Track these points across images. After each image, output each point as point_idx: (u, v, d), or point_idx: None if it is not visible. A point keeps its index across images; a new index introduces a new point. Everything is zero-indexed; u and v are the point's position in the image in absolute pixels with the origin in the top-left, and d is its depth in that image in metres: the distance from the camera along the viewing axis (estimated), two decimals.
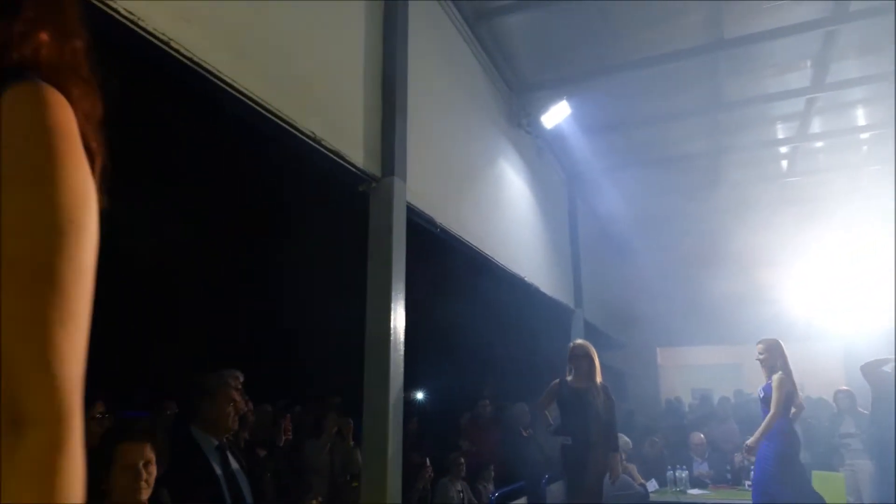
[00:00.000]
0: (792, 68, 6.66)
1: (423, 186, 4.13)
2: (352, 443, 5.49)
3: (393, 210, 3.55)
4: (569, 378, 4.72)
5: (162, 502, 2.24)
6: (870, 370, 6.27)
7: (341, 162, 3.29)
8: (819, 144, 8.62)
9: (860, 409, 6.63)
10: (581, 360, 4.69)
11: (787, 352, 5.06)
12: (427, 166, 4.28)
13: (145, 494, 2.18)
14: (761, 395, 5.00)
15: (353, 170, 3.40)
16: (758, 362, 5.13)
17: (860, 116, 7.93)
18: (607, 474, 4.64)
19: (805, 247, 10.04)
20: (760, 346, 5.13)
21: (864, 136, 8.37)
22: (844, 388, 7.03)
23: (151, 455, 2.24)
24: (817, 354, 11.01)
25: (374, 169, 3.54)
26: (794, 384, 4.94)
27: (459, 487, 5.59)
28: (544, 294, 6.86)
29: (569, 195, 8.73)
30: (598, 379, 4.68)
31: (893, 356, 6.33)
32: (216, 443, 2.86)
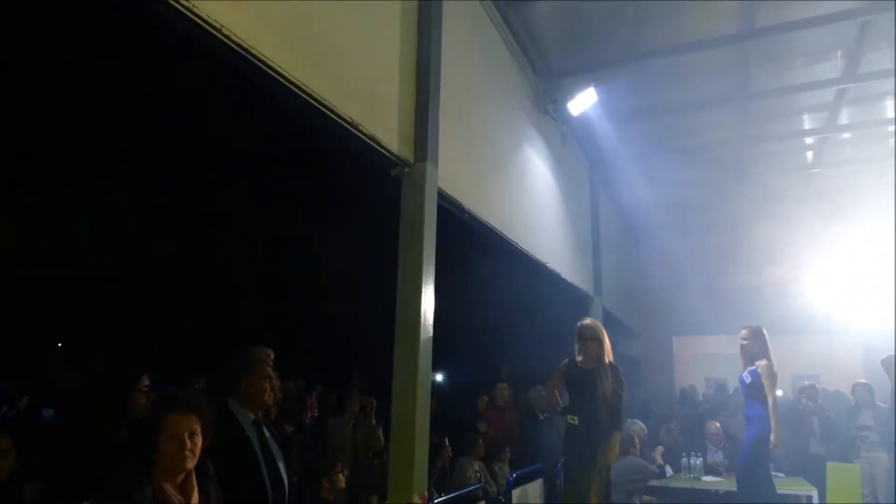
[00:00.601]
0: (822, 58, 6.57)
1: (451, 172, 4.18)
2: (374, 421, 5.62)
3: (425, 195, 3.61)
4: (578, 358, 4.52)
5: (206, 472, 2.33)
6: (890, 364, 6.31)
7: (376, 147, 3.35)
8: (846, 136, 8.52)
9: (879, 403, 6.63)
10: (589, 341, 4.48)
11: (769, 341, 5.15)
12: (456, 152, 4.32)
13: (190, 463, 2.27)
14: (748, 381, 5.06)
15: (388, 154, 3.46)
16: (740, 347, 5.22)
17: (889, 108, 7.81)
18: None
19: (828, 240, 9.96)
20: (744, 332, 5.22)
21: (892, 128, 8.26)
22: (863, 381, 7.02)
23: (197, 426, 2.32)
24: (836, 348, 10.98)
25: (407, 154, 3.60)
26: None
27: (476, 467, 5.70)
28: (565, 280, 6.91)
29: (591, 183, 8.72)
30: (608, 359, 4.49)
31: None
32: (252, 417, 2.97)
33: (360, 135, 3.20)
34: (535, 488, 5.39)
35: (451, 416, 6.82)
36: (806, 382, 7.44)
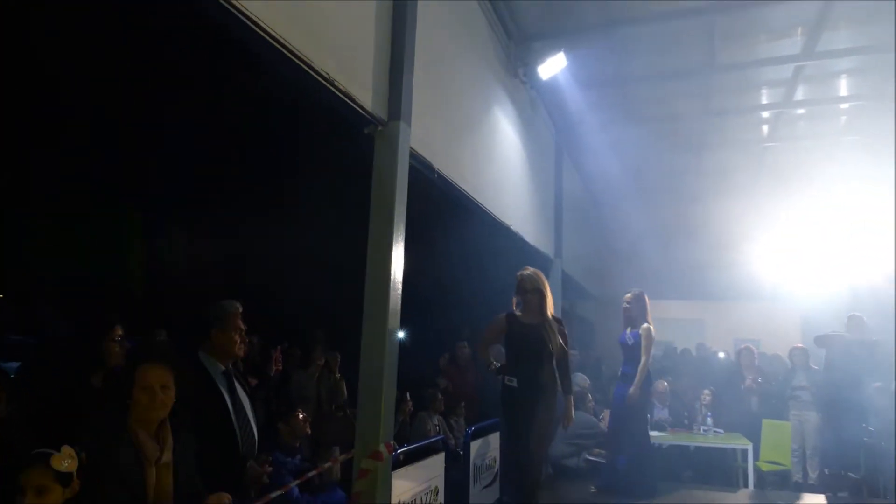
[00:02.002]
0: (784, 35, 6.75)
1: (423, 132, 4.20)
2: (338, 375, 5.72)
3: (397, 154, 3.64)
4: (518, 312, 4.08)
5: (182, 421, 2.39)
6: (823, 341, 6.95)
7: (351, 103, 3.34)
8: (800, 112, 8.82)
9: (812, 366, 7.10)
10: (530, 293, 4.02)
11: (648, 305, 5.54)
12: (427, 112, 4.33)
13: (162, 413, 2.31)
14: (630, 343, 5.53)
15: (362, 112, 3.45)
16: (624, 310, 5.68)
17: (843, 87, 8.11)
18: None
19: (777, 213, 10.40)
20: (628, 296, 5.67)
21: (844, 106, 8.59)
22: (799, 345, 7.48)
23: (169, 378, 2.34)
24: (777, 315, 11.60)
25: (380, 112, 3.60)
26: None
27: (436, 421, 5.90)
28: (527, 243, 7.06)
29: (556, 149, 8.83)
30: (550, 312, 4.06)
31: (843, 328, 6.83)
32: (223, 368, 3.02)
33: (335, 91, 3.19)
34: (492, 441, 5.62)
35: (413, 372, 6.97)
36: (743, 345, 7.80)
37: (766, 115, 8.91)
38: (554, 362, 4.03)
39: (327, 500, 3.48)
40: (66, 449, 1.93)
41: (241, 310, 3.80)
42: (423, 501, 4.33)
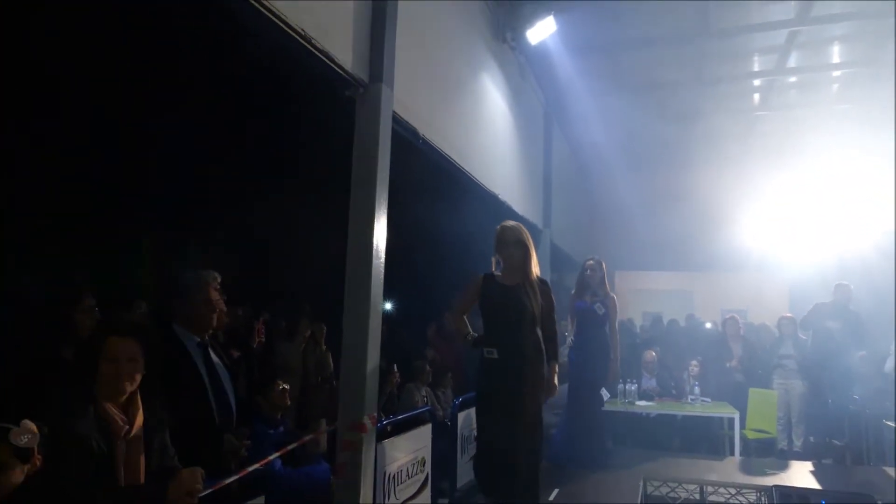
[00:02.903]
0: None
1: (407, 96, 4.06)
2: (324, 346, 5.65)
3: (380, 118, 3.50)
4: (497, 273, 3.58)
5: (154, 394, 2.29)
6: (806, 324, 7.01)
7: (330, 64, 3.19)
8: (792, 80, 8.71)
9: (800, 335, 7.11)
10: (513, 246, 3.49)
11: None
12: (412, 75, 4.18)
13: (129, 387, 2.19)
14: (601, 312, 5.33)
15: (342, 73, 3.30)
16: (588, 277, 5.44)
17: (836, 54, 8.00)
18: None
19: (766, 183, 10.35)
20: (591, 262, 5.51)
21: (837, 73, 8.49)
22: (788, 314, 7.49)
23: (137, 350, 2.24)
24: (764, 284, 11.65)
25: (362, 74, 3.45)
26: None
27: (424, 393, 5.86)
28: (516, 213, 6.96)
29: (545, 117, 8.68)
30: (535, 273, 3.56)
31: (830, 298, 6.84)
32: (198, 339, 2.92)
33: (313, 50, 3.03)
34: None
35: (401, 343, 6.93)
36: (728, 315, 7.82)
37: (757, 83, 8.80)
38: (538, 329, 3.52)
39: (311, 472, 3.42)
40: (26, 423, 1.83)
41: (218, 279, 3.68)
42: (411, 472, 4.30)
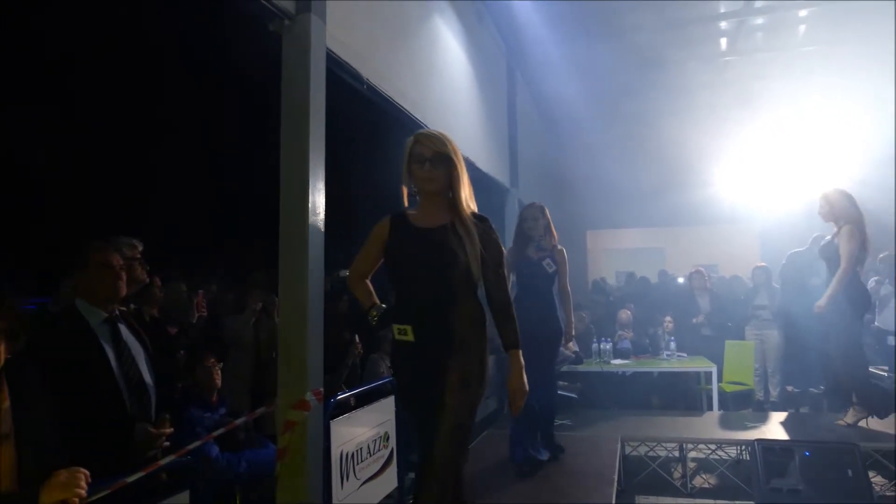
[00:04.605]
0: None
1: (347, 33, 3.60)
2: (277, 319, 5.26)
3: (310, 56, 3.05)
4: (410, 212, 2.41)
5: (24, 377, 1.89)
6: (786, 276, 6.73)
7: None
8: (759, 21, 8.41)
9: (774, 284, 6.95)
10: (431, 163, 2.29)
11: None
12: (349, 9, 3.72)
13: None
14: (551, 270, 4.25)
15: (265, 2, 2.84)
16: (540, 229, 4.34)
17: None
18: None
19: (737, 131, 10.11)
20: (532, 208, 4.41)
21: (803, 13, 8.21)
22: (762, 263, 7.33)
23: None
24: (736, 236, 11.54)
25: (286, 5, 2.98)
26: None
27: (389, 363, 5.55)
28: (479, 170, 6.57)
29: (508, 68, 8.23)
30: (470, 208, 2.36)
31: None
32: (104, 315, 2.52)
33: None
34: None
35: (363, 314, 6.56)
36: (694, 269, 7.72)
37: (724, 25, 8.47)
38: (476, 294, 2.33)
39: (253, 457, 3.07)
40: None
41: (138, 247, 3.28)
42: (372, 449, 3.97)
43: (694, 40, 8.78)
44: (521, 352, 2.36)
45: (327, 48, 3.27)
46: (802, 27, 8.61)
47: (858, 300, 4.66)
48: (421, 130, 2.46)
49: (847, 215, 4.72)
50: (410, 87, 4.74)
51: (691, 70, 9.42)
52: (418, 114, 4.82)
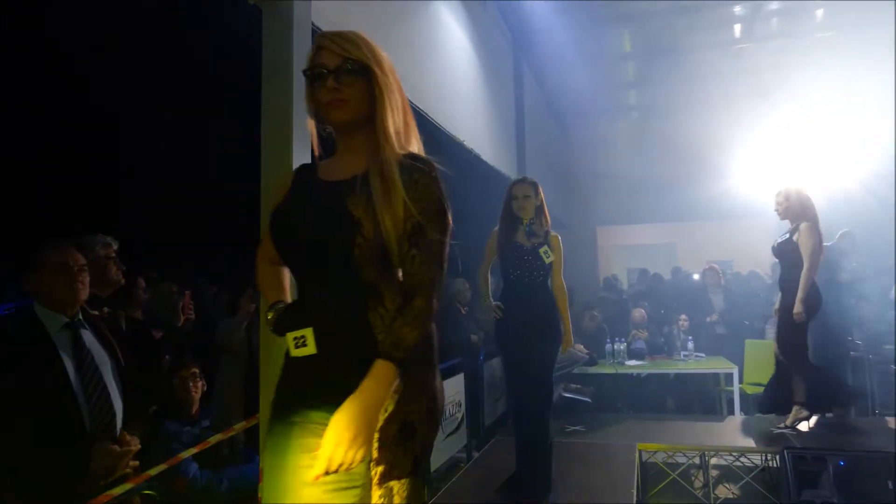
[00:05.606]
0: None
1: (334, 11, 3.32)
2: None
3: (293, 33, 2.78)
4: (321, 163, 1.62)
5: None
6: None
7: None
8: (774, 7, 8.08)
9: None
10: (343, 76, 1.44)
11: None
12: None
13: None
14: (549, 259, 3.60)
15: None
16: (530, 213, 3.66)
17: None
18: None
19: (752, 121, 9.74)
20: (523, 183, 3.70)
21: None
22: None
23: None
24: (750, 231, 11.15)
25: None
26: None
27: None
28: (485, 163, 6.28)
29: (514, 58, 7.93)
30: (404, 149, 1.52)
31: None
32: (65, 320, 2.26)
33: None
34: (455, 383, 5.03)
35: None
36: (707, 266, 7.51)
37: (738, 10, 8.14)
38: (371, 273, 1.40)
39: (234, 474, 2.81)
40: None
41: (112, 246, 3.03)
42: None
43: (707, 26, 8.44)
44: (394, 369, 1.30)
45: (312, 23, 2.99)
46: (820, 11, 8.27)
47: (810, 299, 4.38)
48: (326, 31, 1.57)
49: (805, 214, 4.60)
50: (410, 72, 4.45)
51: (704, 59, 9.08)
52: (419, 102, 4.53)
